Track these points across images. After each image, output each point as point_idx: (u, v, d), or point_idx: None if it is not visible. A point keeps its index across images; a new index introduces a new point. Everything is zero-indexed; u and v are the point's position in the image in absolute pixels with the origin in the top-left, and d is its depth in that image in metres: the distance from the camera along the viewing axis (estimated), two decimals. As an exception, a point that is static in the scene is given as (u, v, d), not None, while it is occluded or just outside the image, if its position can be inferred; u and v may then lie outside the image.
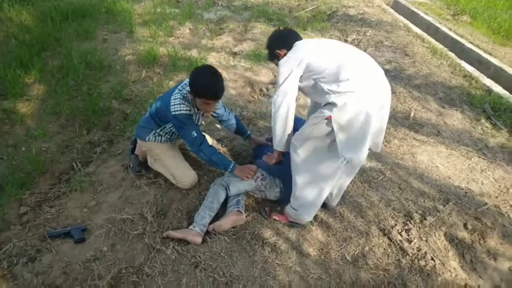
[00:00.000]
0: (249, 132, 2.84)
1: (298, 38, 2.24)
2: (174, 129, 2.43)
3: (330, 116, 1.88)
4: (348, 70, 1.91)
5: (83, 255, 2.07)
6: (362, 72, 1.94)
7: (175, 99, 2.27)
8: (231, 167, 2.37)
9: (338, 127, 1.88)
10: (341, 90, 1.87)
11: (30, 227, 2.30)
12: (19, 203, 2.53)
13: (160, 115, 2.42)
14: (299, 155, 2.09)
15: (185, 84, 2.32)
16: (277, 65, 2.17)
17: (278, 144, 2.23)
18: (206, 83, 2.17)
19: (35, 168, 2.79)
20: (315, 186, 2.13)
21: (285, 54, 2.17)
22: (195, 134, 2.29)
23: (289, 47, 2.16)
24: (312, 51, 2.05)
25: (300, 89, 2.12)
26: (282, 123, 2.12)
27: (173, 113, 2.25)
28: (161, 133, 2.49)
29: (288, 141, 2.20)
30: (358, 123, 1.88)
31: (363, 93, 1.88)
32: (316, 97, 2.12)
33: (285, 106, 2.07)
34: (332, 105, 1.88)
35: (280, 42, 2.26)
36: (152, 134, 2.48)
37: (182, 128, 2.29)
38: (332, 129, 1.89)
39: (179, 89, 2.31)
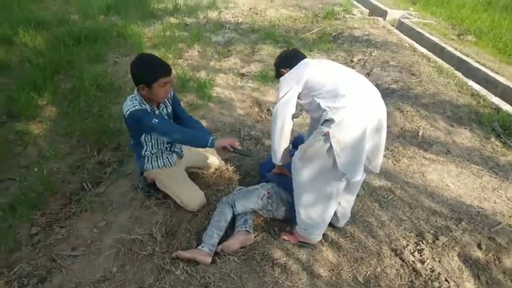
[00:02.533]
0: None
1: (302, 58, 2.29)
2: (156, 141, 2.40)
3: (328, 132, 1.90)
4: (345, 87, 1.96)
5: (93, 275, 2.06)
6: (358, 90, 1.99)
7: (124, 106, 2.24)
8: (210, 143, 2.26)
9: (336, 143, 1.90)
10: (337, 105, 1.90)
11: (40, 248, 2.31)
12: (30, 224, 2.54)
13: (130, 130, 2.39)
14: (301, 175, 2.11)
15: (131, 96, 2.27)
16: None
17: (275, 158, 2.29)
18: (150, 64, 2.16)
19: (46, 189, 2.82)
20: (319, 206, 2.14)
21: None
22: (156, 121, 2.19)
23: (292, 66, 2.23)
24: (311, 69, 2.11)
25: (301, 106, 2.17)
26: (278, 137, 2.17)
27: (126, 113, 2.19)
28: (151, 154, 2.46)
29: (284, 156, 2.25)
30: (355, 138, 1.90)
31: (359, 109, 1.91)
32: (315, 114, 2.16)
33: (281, 119, 2.12)
34: (329, 121, 1.91)
35: (285, 62, 2.34)
36: (146, 161, 2.48)
37: (142, 122, 2.19)
38: (331, 145, 1.91)
39: (125, 101, 2.26)
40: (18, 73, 4.35)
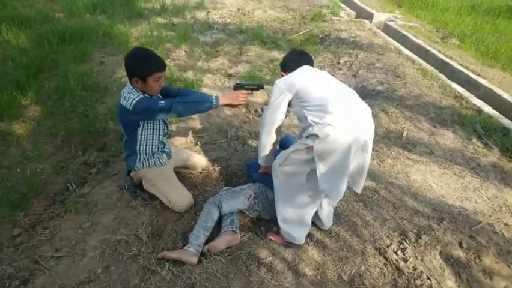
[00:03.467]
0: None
1: (305, 63, 2.30)
2: (151, 137, 2.41)
3: (312, 147, 1.92)
4: (333, 104, 1.96)
5: (77, 277, 2.04)
6: (347, 109, 1.99)
7: (123, 99, 2.24)
8: (214, 99, 2.27)
9: (319, 158, 1.92)
10: (323, 122, 1.90)
11: (23, 249, 2.28)
12: (13, 225, 2.50)
13: (127, 125, 2.38)
14: (280, 179, 2.17)
15: (128, 90, 2.27)
16: None
17: (260, 158, 2.36)
18: (146, 58, 2.18)
19: (29, 190, 2.78)
20: (296, 211, 2.20)
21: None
22: (163, 102, 2.20)
23: (290, 71, 2.26)
24: (306, 79, 2.13)
25: (293, 113, 2.21)
26: (265, 138, 2.24)
27: (132, 104, 2.19)
28: (144, 153, 2.45)
29: (269, 158, 2.30)
30: (339, 157, 1.91)
31: (345, 129, 1.91)
32: (302, 124, 2.19)
33: (269, 123, 2.19)
34: (314, 136, 1.92)
35: (284, 65, 2.41)
36: (138, 160, 2.46)
37: (150, 109, 2.21)
38: (313, 158, 1.94)
39: (124, 95, 2.27)
40: (0, 72, 4.27)
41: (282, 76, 2.34)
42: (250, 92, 2.43)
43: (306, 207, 2.18)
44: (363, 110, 2.06)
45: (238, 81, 2.30)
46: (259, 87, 2.48)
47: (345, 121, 1.92)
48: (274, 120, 2.18)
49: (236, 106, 2.43)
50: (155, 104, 2.20)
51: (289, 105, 2.18)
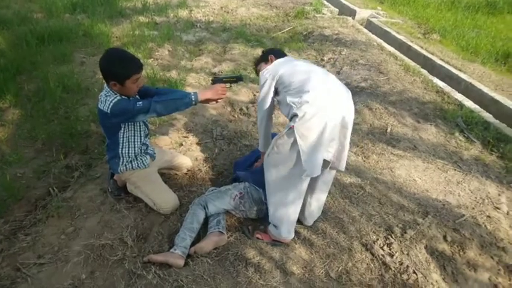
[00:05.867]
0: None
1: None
2: (133, 139, 2.38)
3: (293, 126, 1.97)
4: (311, 84, 2.03)
5: (61, 283, 1.99)
6: (324, 87, 2.05)
7: (101, 103, 2.20)
8: (192, 97, 2.23)
9: (300, 136, 1.96)
10: (301, 101, 1.98)
11: (4, 257, 2.21)
12: (-8, 232, 2.43)
13: (108, 128, 2.35)
14: (270, 171, 2.20)
15: (105, 92, 2.23)
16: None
17: (260, 144, 2.51)
18: (122, 61, 2.13)
19: (9, 195, 2.70)
20: (285, 203, 2.20)
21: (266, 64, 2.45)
22: (140, 103, 2.14)
23: (276, 56, 2.43)
24: (287, 66, 2.23)
25: (278, 102, 2.28)
26: (261, 124, 2.38)
27: (109, 108, 2.14)
28: (127, 155, 2.41)
29: (267, 143, 2.35)
30: (316, 132, 1.96)
31: (322, 104, 1.97)
32: (285, 111, 2.21)
33: (261, 112, 2.32)
34: (295, 116, 1.98)
35: (271, 50, 2.59)
36: (121, 163, 2.42)
37: (128, 111, 2.15)
38: (295, 140, 1.98)
39: (101, 99, 2.22)
40: (-23, 74, 4.14)
41: (270, 59, 2.45)
42: (229, 85, 2.40)
43: (294, 198, 2.18)
44: (342, 90, 2.11)
45: (216, 74, 2.29)
46: (238, 79, 2.47)
47: (321, 98, 1.98)
48: (266, 107, 2.28)
49: (216, 101, 2.37)
50: (133, 106, 2.15)
51: (276, 93, 2.24)
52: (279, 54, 2.49)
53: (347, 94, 2.12)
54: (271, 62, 2.41)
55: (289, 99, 2.05)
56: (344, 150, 2.15)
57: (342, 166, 2.20)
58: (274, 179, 2.18)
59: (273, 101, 2.27)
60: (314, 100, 1.96)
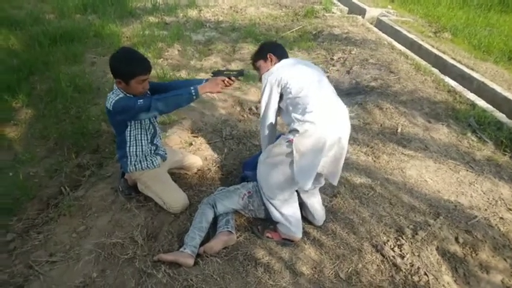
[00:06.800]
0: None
1: (284, 56, 2.40)
2: (140, 137, 2.39)
3: (292, 140, 2.07)
4: (314, 103, 2.07)
5: (72, 282, 2.02)
6: (326, 108, 2.10)
7: (106, 101, 2.21)
8: (193, 91, 2.18)
9: (297, 150, 2.06)
10: (304, 119, 2.04)
11: (17, 255, 2.25)
12: (6, 230, 2.47)
13: (115, 125, 2.38)
14: (263, 173, 2.28)
15: (112, 91, 2.25)
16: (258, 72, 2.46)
17: (263, 148, 2.48)
18: (130, 60, 2.15)
19: (22, 194, 2.74)
20: (280, 205, 2.27)
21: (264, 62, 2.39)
22: (141, 101, 2.14)
23: (276, 54, 2.35)
24: (292, 72, 2.21)
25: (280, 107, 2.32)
26: (263, 128, 2.38)
27: (111, 105, 2.16)
28: (135, 155, 2.42)
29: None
30: (313, 150, 2.04)
31: (322, 126, 2.03)
32: (285, 119, 2.30)
33: (264, 117, 2.32)
34: (295, 131, 2.07)
35: (272, 48, 2.44)
36: (130, 163, 2.44)
37: (128, 108, 2.15)
38: (292, 152, 2.07)
39: (108, 97, 2.23)
40: (-10, 75, 4.21)
41: (270, 58, 2.36)
42: (230, 78, 2.33)
43: (287, 202, 2.27)
44: (341, 110, 2.16)
45: (219, 70, 2.30)
46: (240, 73, 2.39)
47: (323, 119, 2.05)
48: (268, 112, 2.28)
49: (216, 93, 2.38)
50: (133, 103, 2.15)
51: (280, 97, 2.26)
52: (278, 51, 2.38)
53: (345, 112, 2.17)
54: (271, 61, 2.36)
55: (293, 113, 2.11)
56: (338, 165, 2.20)
57: (335, 180, 2.27)
58: (268, 181, 2.25)
59: (276, 105, 2.28)
60: (316, 120, 2.02)
